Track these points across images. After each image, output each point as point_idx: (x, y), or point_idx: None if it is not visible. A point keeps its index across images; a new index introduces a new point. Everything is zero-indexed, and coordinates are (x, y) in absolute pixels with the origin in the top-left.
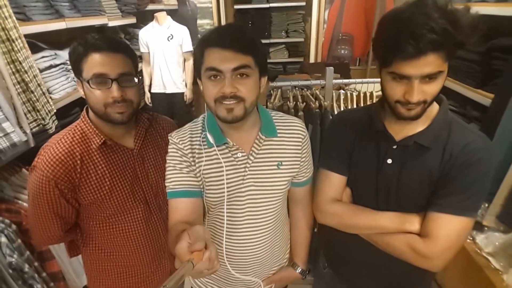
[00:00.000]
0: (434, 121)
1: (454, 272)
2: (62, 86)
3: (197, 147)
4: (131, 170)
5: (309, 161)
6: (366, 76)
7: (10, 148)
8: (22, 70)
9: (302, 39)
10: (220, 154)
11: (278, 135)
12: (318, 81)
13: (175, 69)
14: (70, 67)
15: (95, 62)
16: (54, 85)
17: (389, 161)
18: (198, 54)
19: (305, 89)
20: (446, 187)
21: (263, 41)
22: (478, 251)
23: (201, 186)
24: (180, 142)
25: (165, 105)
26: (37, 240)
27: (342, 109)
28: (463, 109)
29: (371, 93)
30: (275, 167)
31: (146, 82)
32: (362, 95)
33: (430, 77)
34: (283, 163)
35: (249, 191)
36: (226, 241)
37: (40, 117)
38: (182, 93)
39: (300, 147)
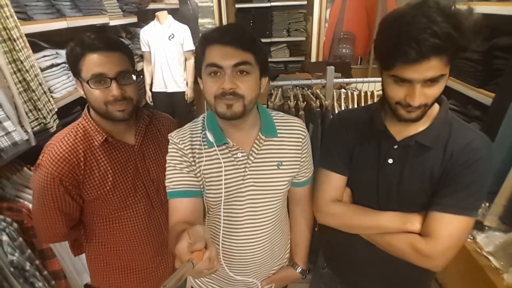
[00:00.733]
0: (435, 121)
1: (454, 271)
2: (63, 85)
3: (197, 147)
4: (132, 166)
5: (309, 161)
6: (368, 75)
7: (11, 147)
8: (23, 69)
9: (303, 38)
10: (220, 154)
11: (278, 135)
12: (319, 80)
13: (176, 68)
14: None
15: (93, 63)
16: (55, 84)
17: (390, 161)
18: (199, 52)
19: (306, 88)
20: (447, 186)
21: (264, 40)
22: (479, 250)
23: (201, 186)
24: (180, 142)
25: (166, 104)
26: (42, 238)
27: (343, 108)
28: (464, 108)
29: (372, 92)
30: (275, 167)
31: (147, 81)
32: (363, 94)
33: (432, 81)
34: (283, 163)
35: (249, 191)
36: (224, 241)
37: (41, 116)
38: (183, 92)
39: (300, 147)
